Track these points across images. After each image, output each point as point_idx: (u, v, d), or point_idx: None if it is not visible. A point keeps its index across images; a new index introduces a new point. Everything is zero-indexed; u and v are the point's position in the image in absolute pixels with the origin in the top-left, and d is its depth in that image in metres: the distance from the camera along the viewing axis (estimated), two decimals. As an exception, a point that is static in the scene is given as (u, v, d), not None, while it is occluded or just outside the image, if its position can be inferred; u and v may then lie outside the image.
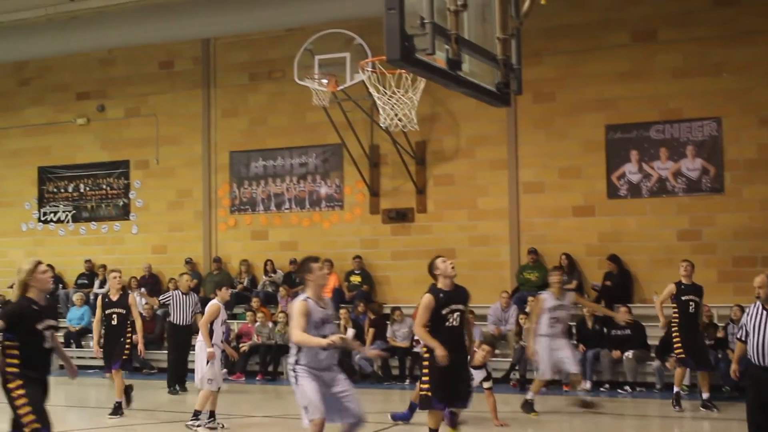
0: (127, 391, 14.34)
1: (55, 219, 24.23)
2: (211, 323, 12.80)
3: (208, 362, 12.60)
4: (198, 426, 12.54)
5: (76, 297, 22.09)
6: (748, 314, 9.36)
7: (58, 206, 24.21)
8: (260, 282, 21.37)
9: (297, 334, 8.50)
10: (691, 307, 14.30)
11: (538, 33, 17.98)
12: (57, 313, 21.79)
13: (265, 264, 21.27)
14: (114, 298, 14.22)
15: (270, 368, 19.24)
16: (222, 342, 13.13)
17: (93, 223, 23.83)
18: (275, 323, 19.60)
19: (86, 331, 21.72)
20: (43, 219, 24.33)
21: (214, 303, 12.90)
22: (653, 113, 18.76)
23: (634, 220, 18.84)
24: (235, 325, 20.36)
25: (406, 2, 7.00)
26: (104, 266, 22.71)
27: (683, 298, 14.29)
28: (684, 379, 15.28)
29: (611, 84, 19.02)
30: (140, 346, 14.87)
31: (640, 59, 18.88)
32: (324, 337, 8.47)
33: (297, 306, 8.59)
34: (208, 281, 21.42)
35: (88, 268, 23.12)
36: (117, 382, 14.11)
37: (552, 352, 13.81)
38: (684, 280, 14.39)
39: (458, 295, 10.13)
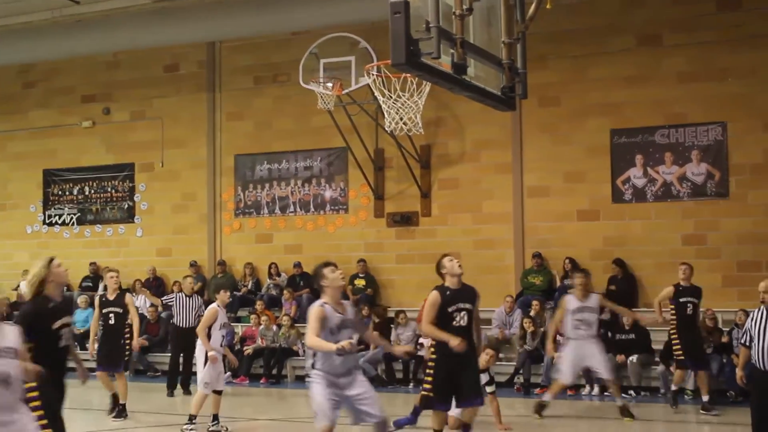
0: (115, 399, 14.30)
1: (59, 222, 24.26)
2: (209, 327, 12.76)
3: (205, 364, 12.59)
4: (191, 431, 12.51)
5: (81, 299, 22.07)
6: (752, 319, 9.38)
7: (63, 209, 24.24)
8: (264, 285, 21.38)
9: (310, 338, 8.54)
10: (689, 309, 14.38)
11: (543, 37, 17.96)
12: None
13: (270, 267, 21.28)
14: (111, 297, 14.25)
15: (274, 371, 19.22)
16: (222, 346, 13.04)
17: (98, 225, 23.86)
18: (279, 326, 19.60)
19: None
20: (48, 221, 24.36)
21: (212, 307, 12.87)
22: (658, 118, 18.76)
23: (638, 224, 18.83)
24: (240, 328, 20.38)
25: (412, 6, 7.03)
26: (108, 268, 22.70)
27: (681, 299, 14.38)
28: (685, 381, 15.31)
29: (616, 88, 19.02)
30: (135, 344, 15.01)
31: (645, 64, 18.88)
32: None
33: (313, 311, 8.63)
34: (213, 284, 21.42)
35: (93, 270, 23.14)
36: (121, 384, 14.13)
37: (578, 357, 13.71)
38: (682, 282, 14.46)
39: (466, 293, 9.99)
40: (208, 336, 12.69)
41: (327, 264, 8.98)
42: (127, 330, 14.64)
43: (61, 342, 7.95)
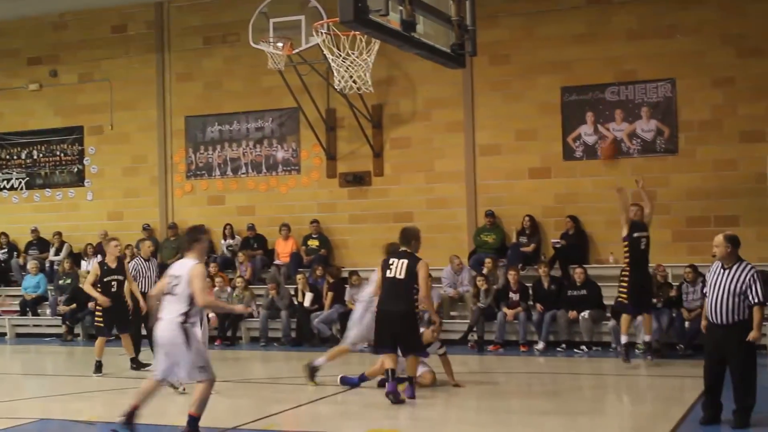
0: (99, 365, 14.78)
1: (8, 186, 23.91)
2: None
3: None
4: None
5: (31, 265, 21.84)
6: (709, 272, 9.58)
7: (11, 173, 23.90)
8: (218, 247, 21.28)
9: (206, 298, 8.97)
10: (642, 244, 14.49)
11: (493, -5, 17.95)
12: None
13: (224, 229, 21.13)
14: (113, 265, 14.78)
15: (228, 333, 19.19)
16: None
17: (47, 189, 23.56)
18: (233, 288, 19.53)
19: (42, 299, 21.52)
20: (-4, 186, 24.02)
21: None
22: (608, 75, 18.85)
23: (589, 181, 18.96)
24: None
25: (360, -37, 6.98)
26: (59, 233, 22.46)
27: (635, 234, 14.45)
28: (635, 335, 15.42)
29: (567, 46, 19.06)
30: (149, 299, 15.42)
31: (595, 21, 18.94)
32: None
33: (200, 270, 8.98)
34: (166, 247, 21.28)
35: (36, 237, 22.82)
36: (126, 342, 15.04)
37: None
38: (634, 218, 14.55)
39: None
40: None
41: (206, 229, 9.77)
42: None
43: None
